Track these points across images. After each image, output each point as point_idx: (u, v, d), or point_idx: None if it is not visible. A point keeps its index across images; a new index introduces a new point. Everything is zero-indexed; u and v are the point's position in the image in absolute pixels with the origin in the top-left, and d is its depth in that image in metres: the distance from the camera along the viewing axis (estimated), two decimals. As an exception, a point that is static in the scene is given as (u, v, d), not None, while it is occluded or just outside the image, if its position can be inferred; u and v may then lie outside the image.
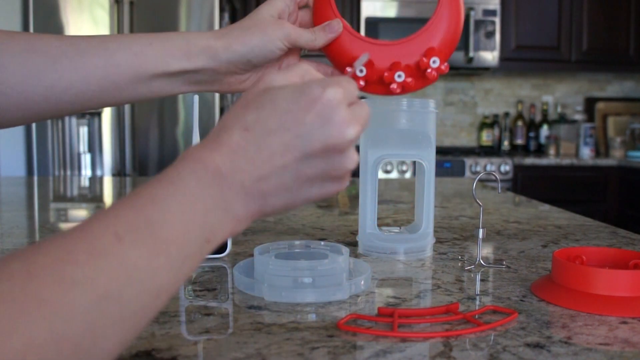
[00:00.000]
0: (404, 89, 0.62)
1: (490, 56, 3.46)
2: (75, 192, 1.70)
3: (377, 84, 0.63)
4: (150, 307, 0.34)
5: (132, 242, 0.34)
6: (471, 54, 3.41)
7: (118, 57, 0.57)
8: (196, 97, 0.74)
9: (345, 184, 0.44)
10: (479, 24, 3.42)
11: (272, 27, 0.59)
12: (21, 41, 0.55)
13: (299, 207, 0.44)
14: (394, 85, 0.61)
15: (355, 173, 0.86)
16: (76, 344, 0.29)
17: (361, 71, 0.61)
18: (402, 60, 0.63)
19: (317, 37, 0.62)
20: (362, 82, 0.62)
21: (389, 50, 0.63)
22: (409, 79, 0.62)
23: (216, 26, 2.90)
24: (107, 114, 2.92)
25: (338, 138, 0.40)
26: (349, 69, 0.62)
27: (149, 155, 2.95)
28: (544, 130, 3.74)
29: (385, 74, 0.62)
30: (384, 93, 0.64)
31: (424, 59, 0.62)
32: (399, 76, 0.61)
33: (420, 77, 0.63)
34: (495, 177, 0.81)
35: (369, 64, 0.62)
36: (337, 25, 0.62)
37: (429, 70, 0.62)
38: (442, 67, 0.62)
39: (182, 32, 0.61)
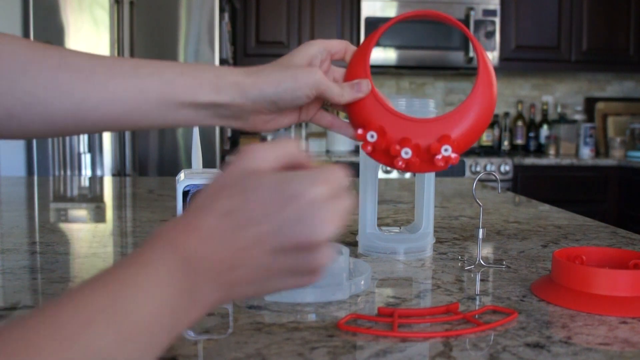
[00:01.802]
0: (408, 166, 0.61)
1: (490, 56, 3.46)
2: (75, 192, 1.70)
3: (383, 153, 0.62)
4: None
5: (101, 329, 0.32)
6: (471, 54, 3.41)
7: (148, 83, 0.57)
8: None
9: (317, 278, 0.42)
10: (479, 24, 3.42)
11: (304, 73, 0.59)
12: (54, 56, 0.55)
13: (264, 295, 0.44)
14: (398, 161, 0.60)
15: (356, 173, 0.86)
16: None
17: (372, 137, 0.61)
18: (415, 139, 0.61)
19: (344, 93, 0.62)
20: (369, 148, 0.62)
21: (406, 125, 0.61)
22: (416, 159, 0.61)
23: (216, 26, 2.90)
24: (107, 114, 2.91)
25: (312, 237, 0.39)
26: (360, 131, 0.62)
27: (149, 155, 2.95)
28: (544, 130, 3.74)
29: (395, 146, 0.60)
30: (388, 164, 0.63)
31: (436, 144, 0.60)
32: (406, 153, 0.60)
33: (427, 160, 0.61)
34: (495, 177, 0.81)
35: (380, 132, 0.61)
36: (366, 86, 0.62)
37: (438, 157, 0.60)
38: (452, 156, 0.60)
39: (214, 65, 0.62)
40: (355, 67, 0.64)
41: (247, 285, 0.40)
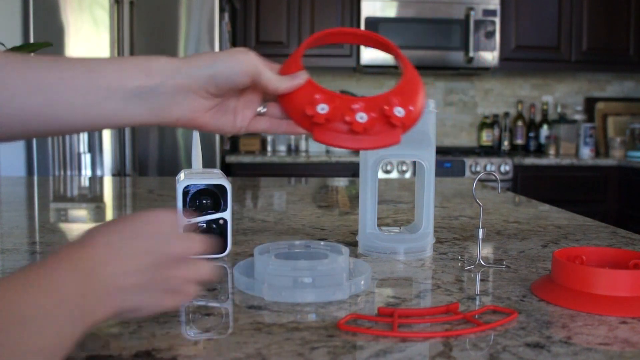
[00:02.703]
0: (366, 131, 0.58)
1: (490, 56, 3.46)
2: (75, 192, 1.70)
3: (338, 124, 0.58)
4: None
5: None
6: (471, 54, 3.41)
7: (70, 71, 0.52)
8: None
9: (184, 299, 0.50)
10: (479, 24, 3.42)
11: (240, 53, 0.57)
12: None
13: (150, 312, 0.48)
14: (356, 125, 0.57)
15: (356, 173, 0.86)
16: None
17: (323, 109, 0.57)
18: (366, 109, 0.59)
19: (282, 80, 0.58)
20: (322, 120, 0.57)
21: (353, 100, 0.59)
22: (373, 124, 0.58)
23: (216, 26, 2.90)
24: (107, 114, 2.92)
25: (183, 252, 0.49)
26: (308, 111, 0.58)
27: (149, 155, 2.95)
28: (544, 130, 3.74)
29: (353, 106, 0.57)
30: (345, 142, 0.58)
31: (389, 107, 0.58)
32: (362, 117, 0.57)
33: (384, 123, 0.59)
34: (495, 177, 0.81)
35: (331, 101, 0.58)
36: (304, 74, 0.60)
37: (394, 117, 0.58)
38: (406, 116, 0.59)
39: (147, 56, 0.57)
40: (289, 66, 0.62)
41: (135, 293, 0.45)
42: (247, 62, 0.56)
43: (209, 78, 0.55)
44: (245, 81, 0.57)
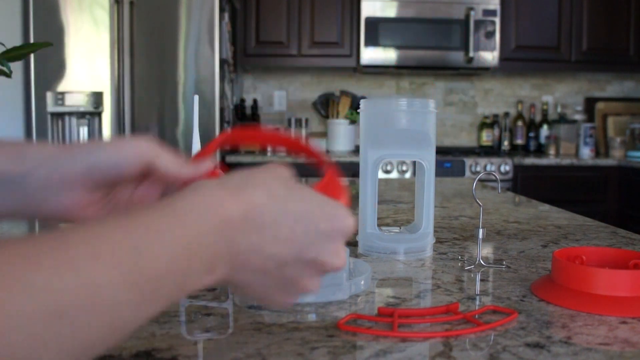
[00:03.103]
0: None
1: (490, 56, 3.46)
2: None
3: None
4: (103, 340, 0.31)
5: (108, 265, 0.31)
6: (471, 54, 3.40)
7: None
8: (196, 97, 0.74)
9: (296, 299, 0.45)
10: (479, 24, 3.42)
11: (132, 141, 0.49)
12: None
13: (257, 301, 0.44)
14: None
15: (356, 173, 0.86)
16: (12, 355, 0.27)
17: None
18: None
19: (183, 166, 0.50)
20: None
21: None
22: None
23: (216, 26, 2.90)
24: (107, 114, 2.92)
25: (330, 262, 0.42)
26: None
27: (149, 155, 2.95)
28: (544, 130, 3.74)
29: None
30: None
31: None
32: None
33: None
34: (495, 177, 0.81)
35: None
36: (210, 163, 0.53)
37: None
38: None
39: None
40: (197, 156, 0.56)
41: (254, 274, 0.40)
42: (136, 150, 0.48)
43: (86, 169, 0.47)
44: (134, 170, 0.48)
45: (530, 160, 3.32)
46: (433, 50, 3.44)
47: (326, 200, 0.43)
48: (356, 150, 3.57)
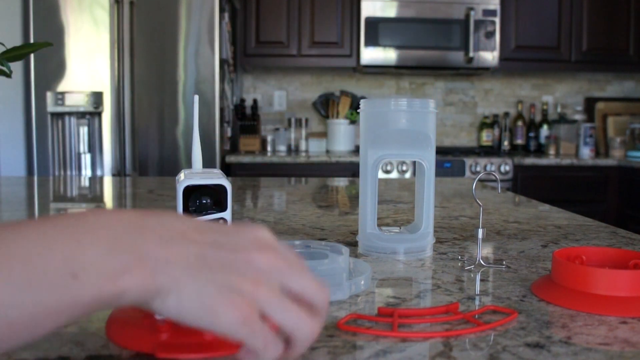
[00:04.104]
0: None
1: (490, 56, 3.46)
2: (75, 192, 1.70)
3: (186, 328, 0.40)
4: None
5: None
6: (471, 54, 3.41)
7: None
8: (196, 97, 0.74)
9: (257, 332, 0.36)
10: (479, 24, 3.42)
11: None
12: None
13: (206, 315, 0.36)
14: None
15: (356, 173, 0.86)
16: None
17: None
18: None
19: None
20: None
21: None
22: None
23: (216, 26, 2.90)
24: (107, 113, 2.92)
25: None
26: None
27: (149, 155, 2.95)
28: (544, 130, 3.74)
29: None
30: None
31: None
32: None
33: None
34: (495, 177, 0.81)
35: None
36: None
37: None
38: None
39: None
40: None
41: (180, 268, 0.36)
42: None
43: None
44: None
45: (530, 160, 3.32)
46: (433, 50, 3.44)
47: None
48: (356, 150, 3.57)
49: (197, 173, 0.82)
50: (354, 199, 1.49)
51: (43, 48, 0.93)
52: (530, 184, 3.30)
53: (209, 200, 0.79)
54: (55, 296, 0.33)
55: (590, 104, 3.91)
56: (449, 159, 3.26)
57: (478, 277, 0.72)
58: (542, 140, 3.74)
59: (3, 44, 0.95)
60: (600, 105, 3.88)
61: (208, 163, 2.84)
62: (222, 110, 3.06)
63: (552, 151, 3.60)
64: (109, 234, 0.36)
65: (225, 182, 0.80)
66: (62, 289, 0.33)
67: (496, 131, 3.81)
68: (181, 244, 0.37)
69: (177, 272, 0.35)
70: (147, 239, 0.36)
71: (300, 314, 0.38)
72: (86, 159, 2.98)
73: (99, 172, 2.97)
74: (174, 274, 0.35)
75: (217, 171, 0.87)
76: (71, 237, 0.35)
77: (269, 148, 3.64)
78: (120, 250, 0.35)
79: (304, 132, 3.71)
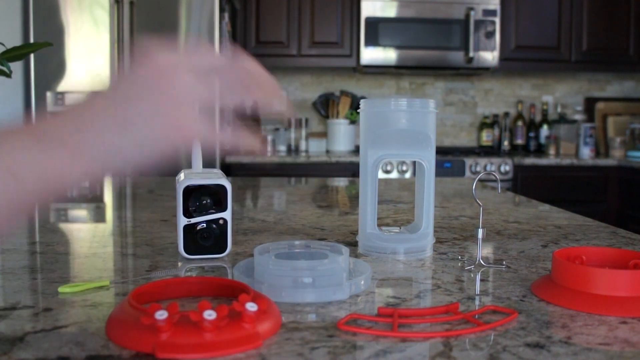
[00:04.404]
0: (221, 331, 0.48)
1: (490, 56, 3.46)
2: (75, 192, 1.70)
3: (186, 329, 0.47)
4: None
5: None
6: (471, 54, 3.41)
7: None
8: None
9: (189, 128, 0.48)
10: (479, 24, 3.42)
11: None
12: None
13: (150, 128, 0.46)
14: (207, 325, 0.47)
15: (356, 173, 0.86)
16: None
17: (161, 315, 0.46)
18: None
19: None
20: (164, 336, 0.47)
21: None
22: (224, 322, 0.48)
23: (216, 26, 2.90)
24: (107, 114, 2.92)
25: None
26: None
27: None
28: (544, 130, 3.74)
29: (193, 315, 0.47)
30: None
31: (237, 302, 0.50)
32: (210, 315, 0.47)
33: (237, 321, 0.49)
34: (495, 177, 0.81)
35: (171, 306, 0.47)
36: None
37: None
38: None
39: None
40: None
41: (131, 94, 0.45)
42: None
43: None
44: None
45: (530, 160, 3.32)
46: (433, 50, 3.44)
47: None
48: (356, 150, 3.57)
49: (197, 173, 0.82)
50: (354, 199, 1.49)
51: (43, 48, 0.94)
52: (530, 184, 3.30)
53: (209, 200, 0.79)
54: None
55: (590, 104, 3.91)
56: (449, 159, 3.26)
57: (478, 277, 0.72)
58: (542, 140, 3.73)
59: (3, 44, 0.95)
60: (600, 105, 3.88)
61: (208, 163, 2.84)
62: (222, 110, 3.06)
63: (552, 151, 3.60)
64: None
65: (225, 182, 0.80)
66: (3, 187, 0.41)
67: (496, 131, 3.81)
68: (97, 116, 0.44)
69: (134, 100, 0.45)
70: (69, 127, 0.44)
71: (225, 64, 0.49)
72: (86, 159, 2.97)
73: (99, 172, 2.97)
74: (132, 103, 0.45)
75: (217, 171, 0.87)
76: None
77: (269, 148, 3.64)
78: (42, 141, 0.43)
79: (304, 132, 3.71)
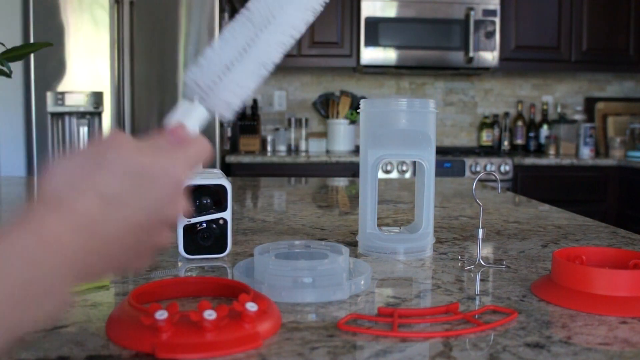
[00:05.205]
0: (221, 331, 0.48)
1: (490, 56, 3.46)
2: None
3: (186, 329, 0.48)
4: None
5: None
6: (471, 54, 3.41)
7: None
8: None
9: (151, 257, 0.44)
10: (479, 24, 3.42)
11: None
12: None
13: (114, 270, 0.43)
14: (207, 324, 0.47)
15: (356, 173, 0.86)
16: None
17: (162, 315, 0.47)
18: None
19: None
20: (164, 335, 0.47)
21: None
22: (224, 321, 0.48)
23: (216, 26, 2.90)
24: (107, 114, 2.92)
25: (174, 216, 0.43)
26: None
27: (149, 155, 2.95)
28: (544, 130, 3.74)
29: (193, 315, 0.47)
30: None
31: (237, 302, 0.50)
32: (210, 315, 0.47)
33: (237, 321, 0.49)
34: (495, 177, 0.81)
35: (171, 306, 0.48)
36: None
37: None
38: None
39: None
40: None
41: (101, 266, 0.39)
42: None
43: None
44: None
45: (530, 160, 3.32)
46: (433, 50, 3.44)
47: (155, 159, 0.42)
48: (356, 150, 3.57)
49: (197, 173, 0.82)
50: (354, 199, 1.49)
51: (43, 48, 0.93)
52: (530, 184, 3.30)
53: (209, 200, 0.79)
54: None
55: (590, 104, 3.91)
56: (449, 159, 3.26)
57: (478, 277, 0.72)
58: (542, 140, 3.73)
59: (3, 44, 0.95)
60: (600, 105, 3.88)
61: (208, 163, 2.84)
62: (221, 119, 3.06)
63: (552, 151, 3.60)
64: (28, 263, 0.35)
65: (225, 182, 0.80)
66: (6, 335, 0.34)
67: (496, 131, 3.81)
68: (105, 250, 0.39)
69: (97, 270, 0.40)
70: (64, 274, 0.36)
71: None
72: (86, 159, 2.97)
73: (99, 172, 2.97)
74: (95, 272, 0.40)
75: (217, 171, 0.87)
76: None
77: (269, 148, 3.64)
78: (45, 283, 0.35)
79: (304, 132, 3.71)
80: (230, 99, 0.50)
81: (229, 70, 0.49)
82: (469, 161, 3.26)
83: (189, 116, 0.50)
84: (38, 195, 0.38)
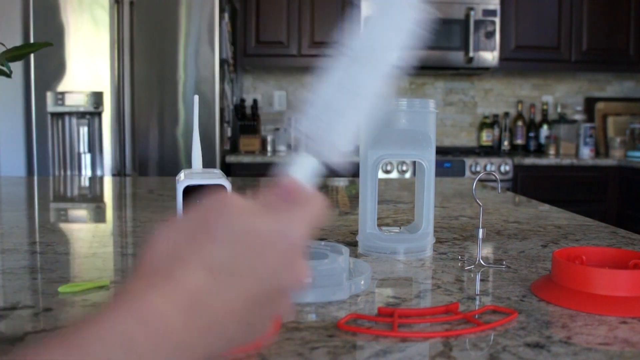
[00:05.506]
0: None
1: (490, 56, 3.46)
2: (75, 192, 1.70)
3: None
4: None
5: None
6: (471, 54, 3.41)
7: None
8: (196, 97, 0.74)
9: (270, 328, 0.38)
10: (479, 24, 3.42)
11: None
12: None
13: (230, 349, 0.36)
14: None
15: (356, 173, 0.86)
16: None
17: None
18: None
19: None
20: None
21: None
22: None
23: (216, 26, 2.90)
24: (107, 114, 2.92)
25: (295, 282, 0.37)
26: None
27: (149, 155, 2.95)
28: (544, 130, 3.74)
29: None
30: None
31: None
32: None
33: None
34: (495, 177, 0.81)
35: None
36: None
37: None
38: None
39: None
40: None
41: (211, 346, 0.33)
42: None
43: None
44: None
45: (530, 160, 3.32)
46: (433, 50, 3.44)
47: (271, 221, 0.36)
48: (356, 150, 3.57)
49: (197, 173, 0.82)
50: (354, 199, 1.49)
51: (43, 48, 0.93)
52: (530, 184, 3.30)
53: (209, 200, 0.79)
54: None
55: (590, 104, 3.91)
56: (449, 159, 3.26)
57: (478, 277, 0.72)
58: (542, 140, 3.73)
59: (3, 44, 0.95)
60: (600, 105, 3.88)
61: (208, 163, 2.84)
62: (222, 110, 3.06)
63: (552, 151, 3.60)
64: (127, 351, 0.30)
65: (225, 182, 0.80)
66: None
67: (496, 131, 3.81)
68: (218, 325, 0.34)
69: (204, 348, 0.33)
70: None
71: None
72: (86, 159, 2.97)
73: (99, 172, 2.97)
74: (203, 353, 0.33)
75: (217, 171, 0.87)
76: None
77: (269, 148, 3.64)
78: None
79: (304, 132, 3.71)
80: (343, 145, 0.46)
81: (341, 115, 0.45)
82: (469, 161, 3.26)
83: (301, 170, 0.45)
84: (139, 268, 0.33)
